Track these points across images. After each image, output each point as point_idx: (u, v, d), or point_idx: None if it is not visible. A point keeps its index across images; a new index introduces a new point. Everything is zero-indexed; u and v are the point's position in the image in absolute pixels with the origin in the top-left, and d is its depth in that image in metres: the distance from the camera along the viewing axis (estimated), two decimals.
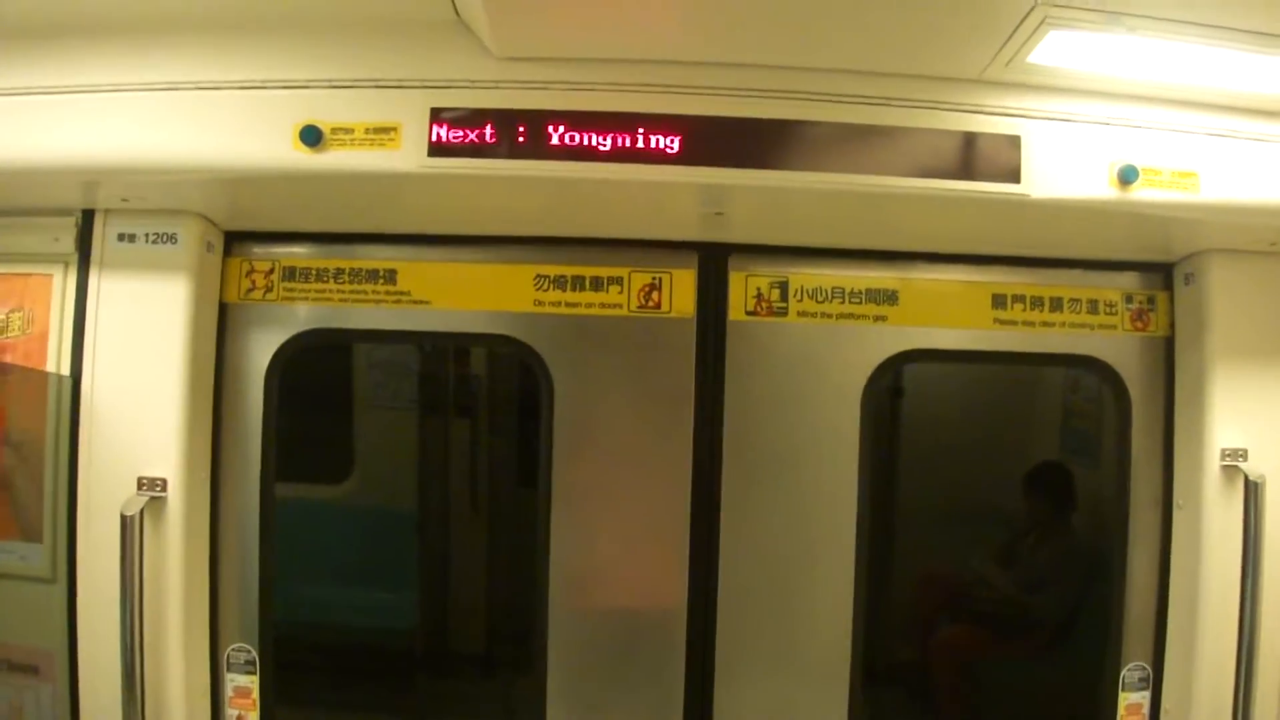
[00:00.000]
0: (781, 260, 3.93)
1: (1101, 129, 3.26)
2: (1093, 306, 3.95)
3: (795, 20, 2.99)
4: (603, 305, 3.90)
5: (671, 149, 3.19)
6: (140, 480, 3.54)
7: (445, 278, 3.91)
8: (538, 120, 3.19)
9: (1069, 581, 5.36)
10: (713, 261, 3.92)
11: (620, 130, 3.19)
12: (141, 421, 3.56)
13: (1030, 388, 6.33)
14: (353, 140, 3.20)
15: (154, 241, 3.60)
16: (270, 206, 3.73)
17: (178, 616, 3.61)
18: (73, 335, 3.59)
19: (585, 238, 3.89)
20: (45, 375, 3.57)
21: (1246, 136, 3.29)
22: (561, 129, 3.19)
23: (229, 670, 3.89)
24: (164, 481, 3.55)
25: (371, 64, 3.21)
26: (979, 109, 3.24)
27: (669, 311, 3.89)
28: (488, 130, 3.20)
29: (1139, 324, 3.96)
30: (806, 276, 3.93)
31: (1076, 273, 3.97)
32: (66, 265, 3.63)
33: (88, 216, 3.63)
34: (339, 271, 3.91)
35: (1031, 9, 2.80)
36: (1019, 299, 3.94)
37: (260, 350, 3.90)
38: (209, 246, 3.74)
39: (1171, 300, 3.96)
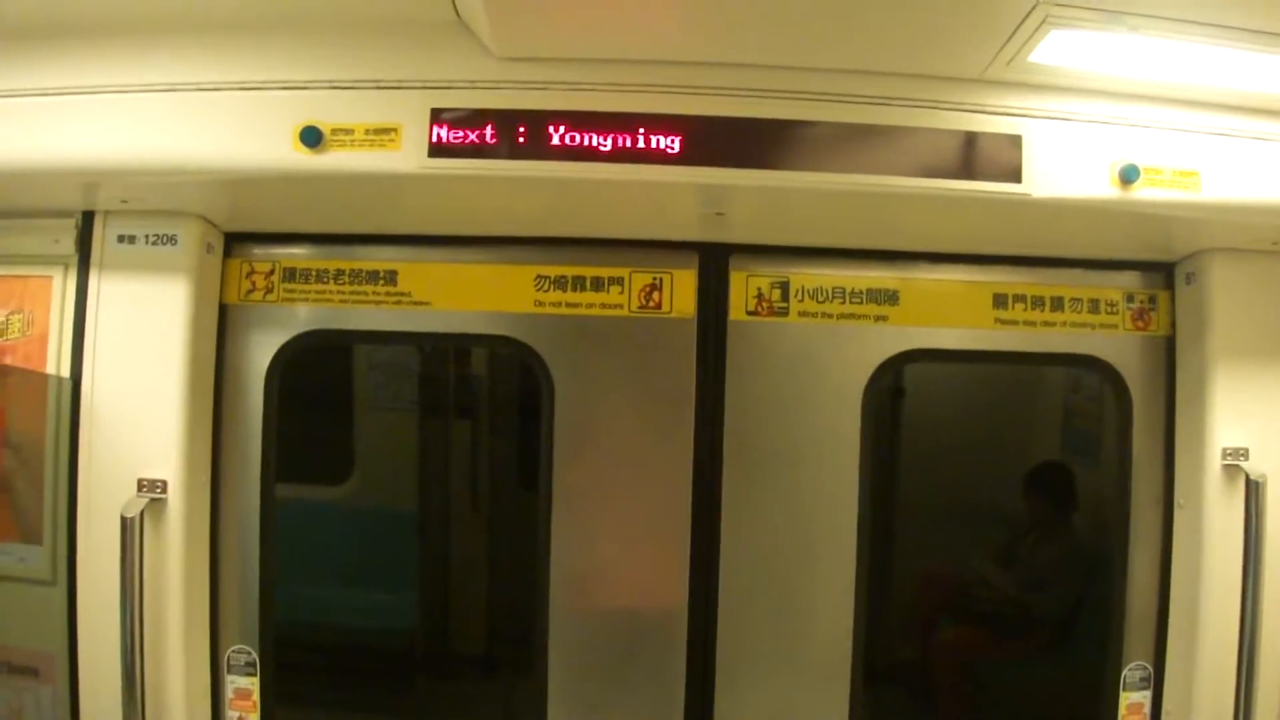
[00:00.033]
0: (782, 260, 3.93)
1: (1103, 128, 3.26)
2: (1094, 306, 3.95)
3: (796, 20, 2.99)
4: (603, 306, 3.90)
5: (672, 149, 3.19)
6: (140, 482, 3.54)
7: (446, 278, 3.90)
8: (538, 121, 3.19)
9: (1070, 581, 5.36)
10: (713, 261, 3.92)
11: (621, 130, 3.18)
12: (142, 423, 3.56)
13: (1031, 387, 6.33)
14: (353, 141, 3.20)
15: (154, 243, 3.60)
16: (270, 207, 3.73)
17: (178, 618, 3.60)
18: (73, 337, 3.59)
19: (586, 238, 3.89)
20: (45, 377, 3.56)
21: (1248, 136, 3.29)
22: (562, 129, 3.19)
23: (229, 672, 3.88)
24: (164, 483, 3.54)
25: (372, 64, 3.21)
26: (980, 108, 3.24)
27: (670, 312, 3.89)
28: (488, 131, 3.20)
29: (1140, 323, 3.96)
30: (807, 276, 3.93)
31: (1077, 272, 3.97)
32: (66, 267, 3.63)
33: (87, 218, 3.63)
34: (339, 272, 3.91)
35: (1033, 8, 2.79)
36: (1020, 298, 3.94)
37: (260, 351, 3.89)
38: (209, 248, 3.74)
39: (1173, 299, 3.96)
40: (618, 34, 3.11)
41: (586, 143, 3.19)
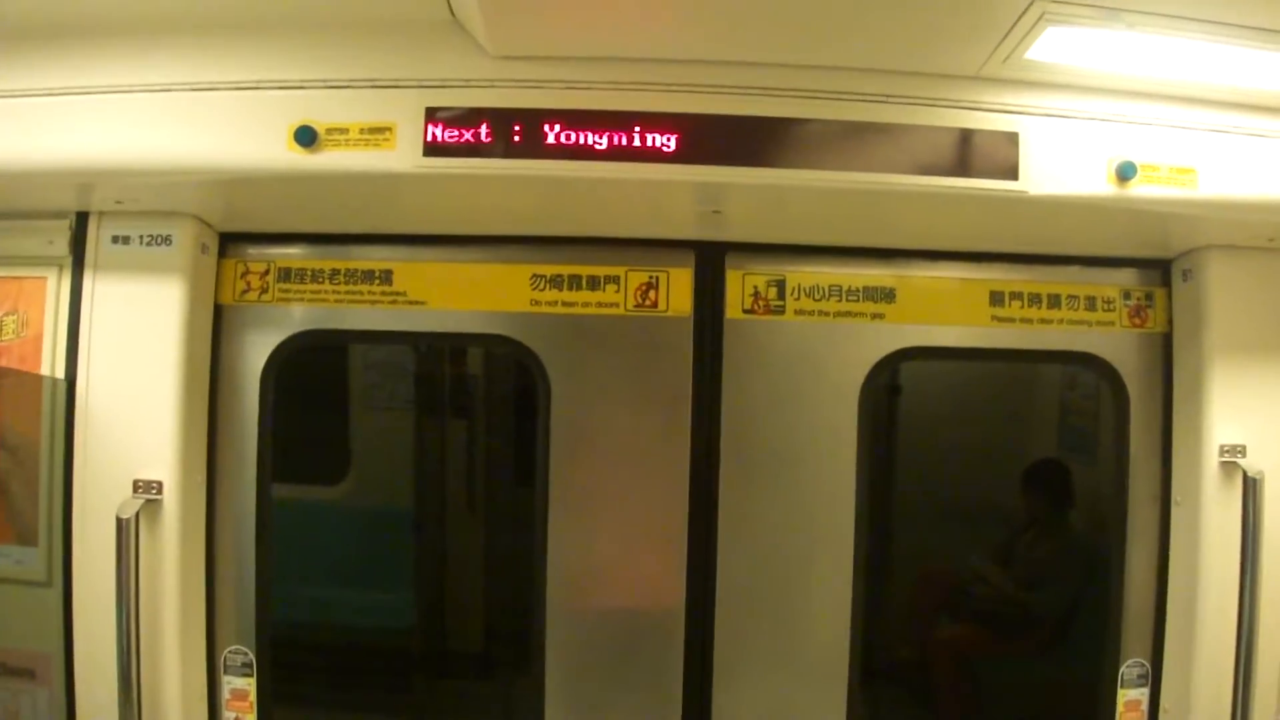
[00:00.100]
0: (778, 258, 3.93)
1: (1100, 125, 3.25)
2: (1091, 303, 3.95)
3: (792, 18, 2.98)
4: (599, 304, 3.89)
5: (668, 147, 3.18)
6: (136, 483, 3.53)
7: (441, 278, 3.90)
8: (534, 119, 3.18)
9: (1067, 579, 5.36)
10: (710, 260, 3.92)
11: (617, 129, 3.17)
12: (137, 424, 3.55)
13: (1028, 385, 6.33)
14: (348, 140, 3.19)
15: (148, 243, 3.59)
16: (265, 207, 3.72)
17: (174, 619, 3.60)
18: (67, 338, 3.58)
19: (582, 237, 3.88)
20: (40, 378, 3.56)
21: (1245, 132, 3.29)
22: (558, 128, 3.18)
23: (226, 672, 3.88)
24: (159, 484, 3.53)
25: (366, 64, 3.20)
26: (977, 106, 3.23)
27: (666, 310, 3.89)
28: (483, 130, 3.19)
29: (1137, 320, 3.96)
30: (804, 275, 3.92)
31: (1074, 269, 3.97)
32: (61, 268, 3.62)
33: (82, 219, 3.62)
34: (334, 272, 3.90)
35: (1029, 5, 2.79)
36: (1017, 296, 3.94)
37: (256, 351, 3.88)
38: (204, 248, 3.73)
39: (1169, 296, 3.96)
40: (613, 32, 3.10)
41: (582, 141, 3.18)
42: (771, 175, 3.22)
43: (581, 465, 3.94)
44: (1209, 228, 3.61)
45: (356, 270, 3.90)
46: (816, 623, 3.93)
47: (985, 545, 5.89)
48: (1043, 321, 3.94)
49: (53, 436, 3.54)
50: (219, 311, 3.86)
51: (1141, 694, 3.96)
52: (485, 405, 6.43)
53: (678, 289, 3.89)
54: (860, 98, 3.21)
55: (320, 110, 3.19)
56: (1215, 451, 3.71)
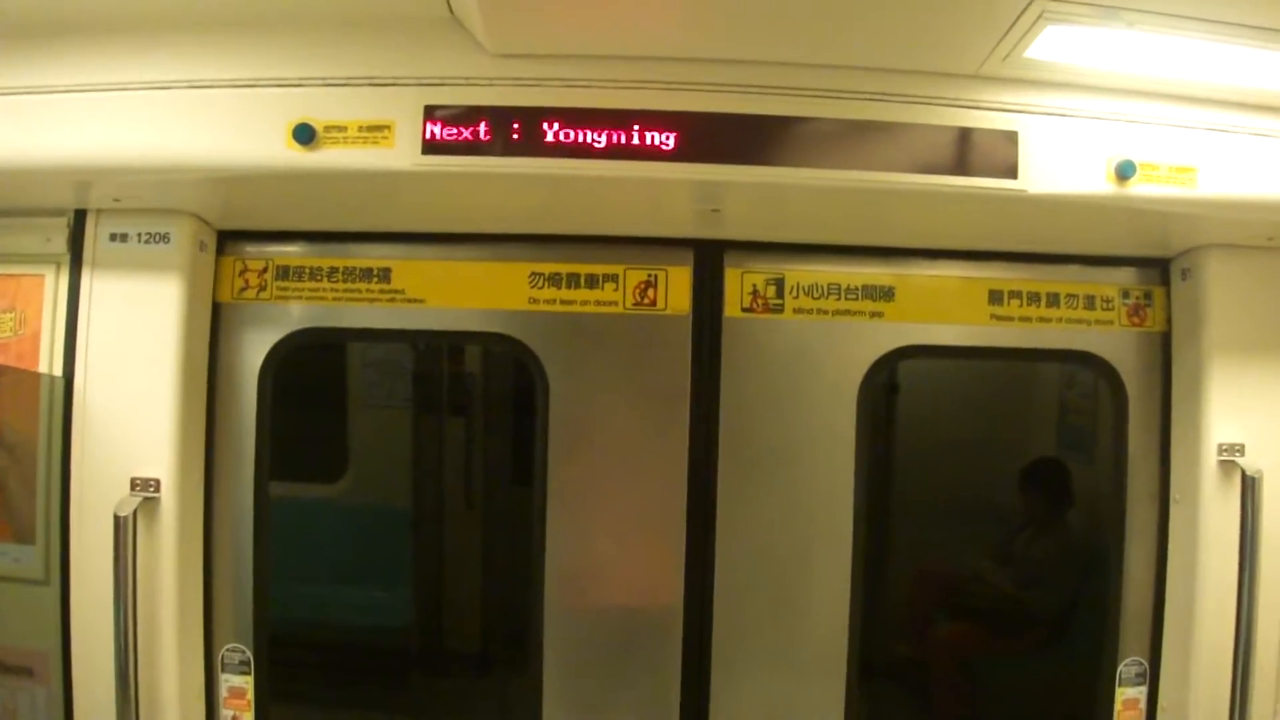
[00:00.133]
0: (777, 257, 3.92)
1: (1099, 124, 3.25)
2: (1089, 302, 3.95)
3: (791, 16, 2.97)
4: (598, 303, 3.89)
5: (667, 146, 3.17)
6: (134, 481, 3.52)
7: (440, 276, 3.89)
8: (532, 117, 3.17)
9: (1065, 577, 5.37)
10: (708, 258, 3.91)
11: (616, 127, 3.17)
12: (135, 422, 3.54)
13: (1026, 384, 6.34)
14: (346, 138, 3.18)
15: (146, 241, 3.59)
16: (264, 205, 3.71)
17: (172, 617, 3.59)
18: (65, 336, 3.57)
19: (580, 235, 3.88)
20: (38, 376, 3.55)
21: (1245, 131, 3.28)
22: (556, 126, 3.17)
23: (224, 670, 3.87)
24: (157, 482, 3.53)
25: (365, 62, 3.19)
26: (976, 104, 3.22)
27: (664, 309, 3.88)
28: (482, 128, 3.18)
29: (1136, 319, 3.96)
30: (802, 273, 3.92)
31: (1073, 268, 3.97)
32: (58, 266, 3.61)
33: (79, 217, 3.61)
34: (333, 270, 3.90)
35: (1029, 4, 2.78)
36: (1016, 295, 3.94)
37: (254, 350, 3.88)
38: (202, 246, 3.72)
39: (1168, 295, 3.96)
40: (612, 30, 3.10)
41: (581, 139, 3.17)
42: (770, 174, 3.21)
43: (580, 463, 3.93)
44: (1208, 227, 3.60)
45: (355, 268, 3.89)
46: (815, 620, 3.93)
47: (984, 543, 5.91)
48: (1041, 320, 3.94)
49: (50, 434, 3.54)
50: (217, 309, 3.85)
51: (1139, 692, 3.96)
52: (483, 403, 6.44)
53: (676, 287, 3.89)
54: (859, 96, 3.20)
55: (319, 108, 3.18)
56: (1214, 450, 3.71)
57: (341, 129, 3.17)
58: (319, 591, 5.92)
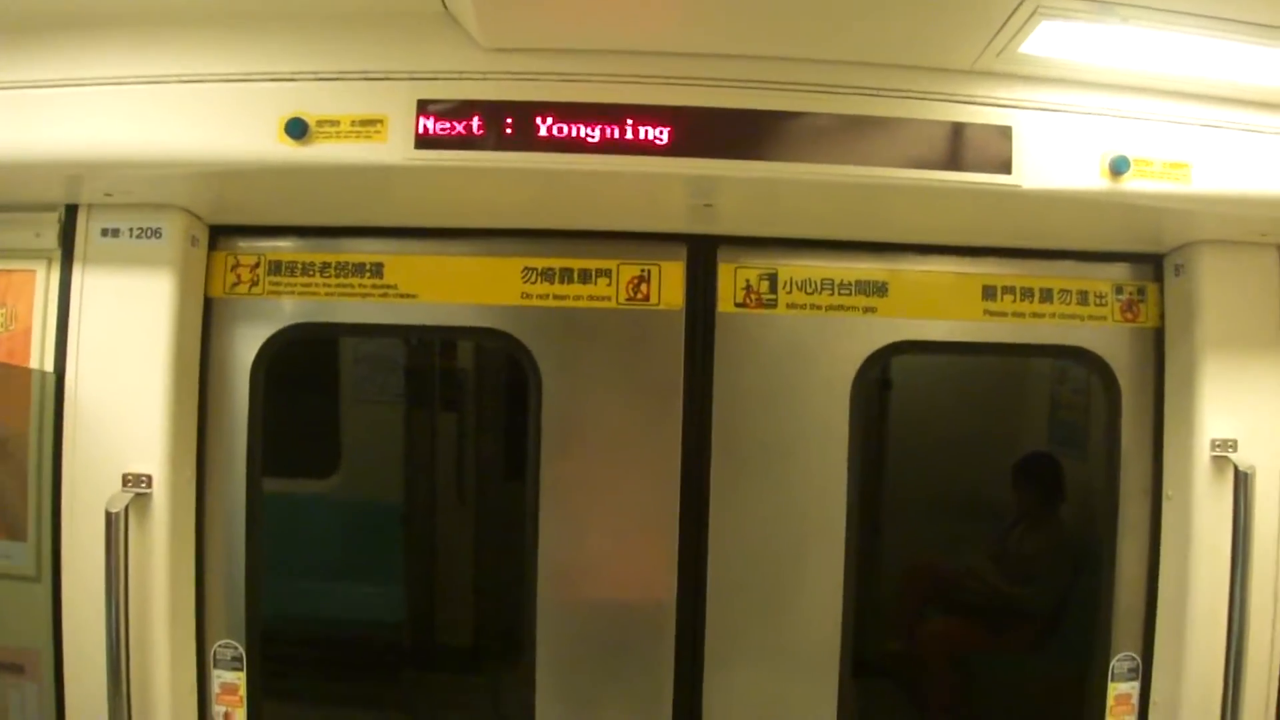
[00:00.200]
0: (771, 252, 3.92)
1: (1093, 119, 3.25)
2: (1083, 298, 3.95)
3: (786, 10, 2.97)
4: (591, 298, 3.88)
5: (661, 140, 3.17)
6: (125, 477, 3.51)
7: (432, 271, 3.88)
8: (526, 112, 3.16)
9: (1058, 573, 5.37)
10: (701, 253, 3.91)
11: (609, 121, 3.16)
12: (126, 418, 3.53)
13: (1019, 380, 6.34)
14: (338, 133, 3.17)
15: (138, 236, 3.57)
16: (256, 200, 3.70)
17: (164, 613, 3.58)
18: (56, 331, 3.56)
19: (573, 230, 3.87)
20: (29, 372, 3.54)
21: (1239, 127, 3.29)
22: (550, 120, 3.16)
23: (215, 667, 3.87)
24: (149, 478, 3.52)
25: (357, 56, 3.18)
26: (970, 100, 3.22)
27: (657, 304, 3.88)
28: (475, 122, 3.17)
29: (1129, 315, 3.96)
30: (796, 268, 3.92)
31: (1067, 264, 3.97)
32: (50, 261, 3.60)
33: (71, 211, 3.60)
34: (325, 265, 3.88)
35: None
36: (1009, 290, 3.94)
37: (246, 345, 3.87)
38: (194, 241, 3.71)
39: (1161, 291, 3.97)
40: (606, 24, 3.09)
41: (574, 134, 3.16)
42: (764, 168, 3.21)
43: (572, 458, 3.93)
44: (1202, 222, 3.61)
45: (347, 263, 3.88)
46: (808, 616, 3.93)
47: (976, 539, 5.91)
48: (1035, 316, 3.95)
49: (41, 430, 3.52)
50: (209, 304, 3.84)
51: (1132, 688, 3.97)
52: (476, 398, 6.44)
53: (669, 282, 3.88)
54: (854, 91, 3.20)
55: (311, 102, 3.17)
56: (1206, 446, 3.72)
57: (334, 123, 3.16)
58: (311, 587, 5.91)
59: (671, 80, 3.17)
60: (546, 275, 3.88)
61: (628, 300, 3.88)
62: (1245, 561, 3.62)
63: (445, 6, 3.11)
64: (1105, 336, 3.97)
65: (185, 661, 3.75)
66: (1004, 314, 3.94)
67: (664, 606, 3.90)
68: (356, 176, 3.30)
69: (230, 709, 3.87)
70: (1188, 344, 3.79)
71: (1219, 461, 3.70)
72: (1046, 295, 3.94)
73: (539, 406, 3.88)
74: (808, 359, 3.92)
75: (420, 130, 3.16)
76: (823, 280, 3.92)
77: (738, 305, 3.90)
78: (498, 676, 5.36)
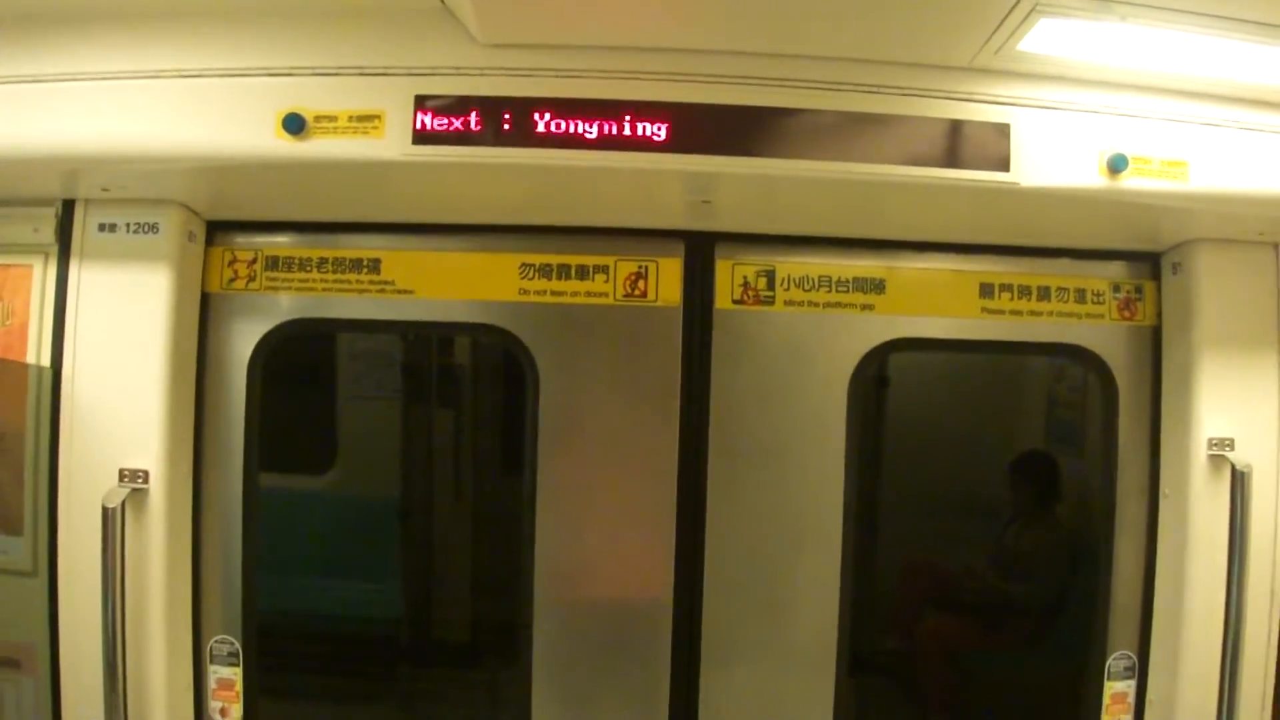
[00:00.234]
0: (768, 249, 3.92)
1: (1091, 117, 3.25)
2: (1080, 296, 3.95)
3: (784, 7, 2.96)
4: (588, 294, 3.88)
5: (659, 136, 3.16)
6: (122, 472, 3.51)
7: (429, 267, 3.88)
8: (523, 107, 3.16)
9: (1054, 571, 5.38)
10: (699, 250, 3.91)
11: (607, 118, 3.16)
12: (123, 413, 3.53)
13: (1016, 378, 6.34)
14: (336, 128, 3.17)
15: (135, 231, 3.57)
16: (253, 195, 3.70)
17: (160, 609, 3.58)
18: (53, 327, 3.56)
19: (571, 226, 3.87)
20: (25, 367, 3.53)
21: (1237, 126, 3.28)
22: (547, 116, 3.16)
23: (212, 662, 3.86)
24: (146, 473, 3.51)
25: (355, 51, 3.17)
26: (968, 97, 3.22)
27: (655, 300, 3.88)
28: (472, 118, 3.17)
29: (1126, 313, 3.96)
30: (793, 265, 3.92)
31: (1064, 262, 3.97)
32: (46, 256, 3.59)
33: (68, 206, 3.59)
34: (322, 261, 3.88)
35: None
36: (1006, 288, 3.94)
37: (243, 340, 3.86)
38: (191, 236, 3.71)
39: (1159, 290, 3.96)
40: (603, 20, 3.09)
41: (572, 130, 3.16)
42: (762, 165, 3.21)
43: (569, 455, 3.93)
44: (1199, 221, 3.61)
45: (344, 259, 3.88)
46: (804, 613, 3.93)
47: (973, 537, 5.91)
48: (1032, 314, 3.94)
49: (38, 425, 3.52)
50: (206, 300, 3.83)
51: (1128, 686, 3.97)
52: (473, 395, 6.43)
53: (667, 279, 3.88)
54: (851, 88, 3.20)
55: (309, 98, 3.16)
56: (1204, 444, 3.71)
57: (331, 119, 3.16)
58: (308, 583, 5.91)
59: (669, 76, 3.17)
60: (544, 271, 3.88)
61: (625, 297, 3.87)
62: (1242, 560, 3.61)
63: (443, 2, 3.10)
64: (1102, 335, 3.97)
65: (181, 657, 3.75)
66: (1001, 312, 3.94)
67: (661, 603, 3.89)
68: (354, 172, 3.29)
69: (226, 704, 3.87)
70: (1185, 342, 3.79)
71: (1216, 460, 3.70)
72: (1044, 293, 3.94)
73: (536, 403, 3.87)
74: (805, 356, 3.92)
75: (418, 126, 3.16)
76: (820, 277, 3.92)
77: (735, 302, 3.90)
78: (494, 672, 5.36)
